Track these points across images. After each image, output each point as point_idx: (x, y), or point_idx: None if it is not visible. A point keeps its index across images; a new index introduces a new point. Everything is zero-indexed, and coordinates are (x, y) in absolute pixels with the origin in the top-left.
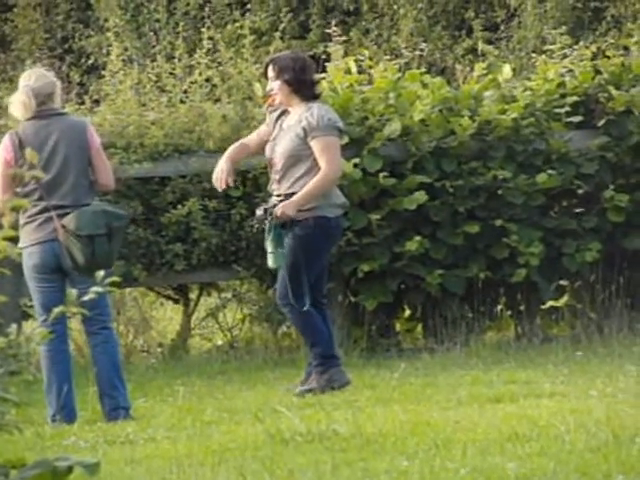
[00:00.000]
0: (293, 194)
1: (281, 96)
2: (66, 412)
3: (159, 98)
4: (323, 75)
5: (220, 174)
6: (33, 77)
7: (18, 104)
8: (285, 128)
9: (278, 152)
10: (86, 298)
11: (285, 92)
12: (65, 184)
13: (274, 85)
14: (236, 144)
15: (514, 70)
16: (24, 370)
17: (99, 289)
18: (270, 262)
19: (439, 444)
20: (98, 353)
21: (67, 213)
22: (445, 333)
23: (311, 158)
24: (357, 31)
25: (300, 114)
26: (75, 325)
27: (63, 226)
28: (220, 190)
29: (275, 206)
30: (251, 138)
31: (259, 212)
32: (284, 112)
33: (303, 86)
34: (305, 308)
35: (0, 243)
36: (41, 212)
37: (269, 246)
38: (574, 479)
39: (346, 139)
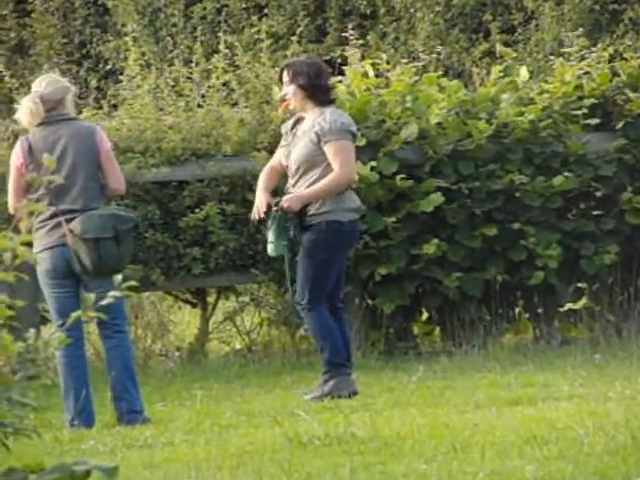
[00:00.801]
0: None
1: (295, 101)
2: (84, 416)
3: (176, 102)
4: (340, 79)
5: (260, 207)
6: (44, 83)
7: (25, 111)
8: (300, 134)
9: (293, 158)
10: (103, 302)
11: (299, 97)
12: (74, 189)
13: (288, 90)
14: (265, 170)
15: (531, 72)
16: (42, 375)
17: (116, 293)
18: (269, 250)
19: (457, 447)
20: (112, 357)
21: (77, 217)
22: (463, 336)
23: (325, 163)
24: (374, 34)
25: (314, 119)
26: (93, 329)
27: (71, 230)
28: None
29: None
30: (275, 159)
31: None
32: (299, 120)
33: (318, 91)
34: (320, 311)
35: (18, 248)
36: (51, 217)
37: (270, 235)
38: None
39: (362, 142)
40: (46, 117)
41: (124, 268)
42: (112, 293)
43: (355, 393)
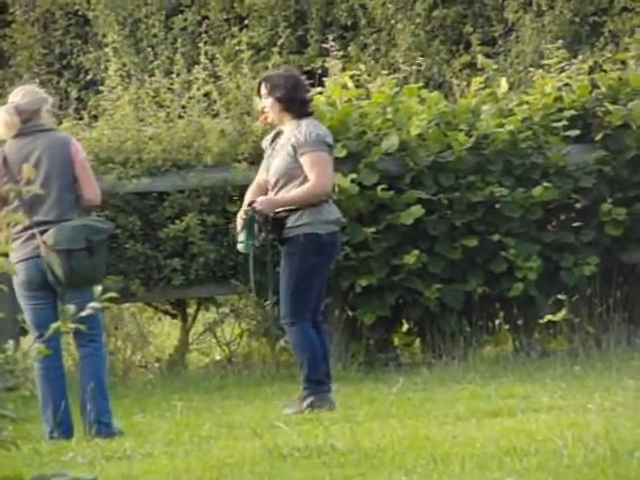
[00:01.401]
0: (293, 210)
1: (273, 114)
2: (63, 428)
3: (157, 113)
4: (321, 90)
5: (240, 214)
6: (20, 94)
7: (0, 123)
8: (278, 148)
9: (272, 171)
10: (82, 314)
11: (276, 110)
12: (48, 200)
13: (266, 103)
14: (251, 187)
15: (512, 84)
16: (21, 386)
17: (96, 305)
18: (239, 247)
19: (437, 459)
20: (84, 365)
21: (51, 228)
22: (443, 347)
23: (303, 175)
24: (355, 46)
25: (290, 132)
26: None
27: (44, 242)
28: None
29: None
30: (261, 176)
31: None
32: (278, 133)
33: (294, 104)
34: (302, 326)
35: None
36: (25, 229)
37: (241, 235)
38: None
39: (343, 153)
40: (22, 128)
41: (99, 279)
42: (91, 304)
43: (332, 410)
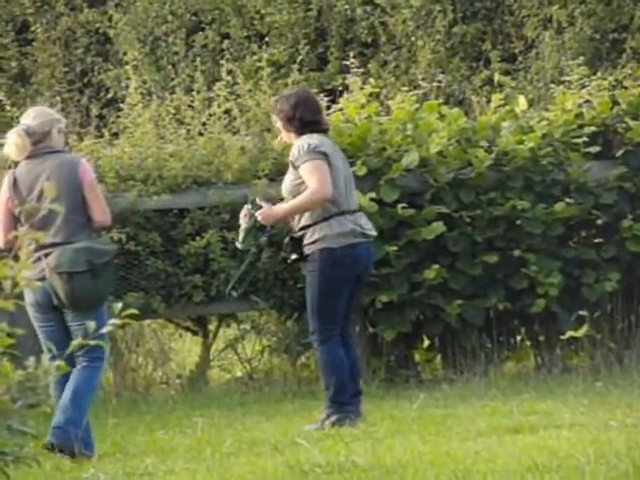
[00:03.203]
0: (305, 227)
1: (282, 133)
2: (84, 445)
3: (178, 130)
4: (341, 107)
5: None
6: (31, 115)
7: (12, 145)
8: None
9: (283, 189)
10: (104, 330)
11: (283, 129)
12: (56, 222)
13: (277, 123)
14: None
15: (532, 101)
16: (42, 402)
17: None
18: (238, 244)
19: (459, 475)
20: (77, 376)
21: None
22: (464, 364)
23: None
24: (375, 63)
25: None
26: None
27: (48, 264)
28: None
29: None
30: None
31: (286, 241)
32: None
33: (293, 122)
34: (330, 346)
35: (18, 275)
36: (35, 251)
37: (241, 233)
38: None
39: (363, 170)
40: (33, 150)
41: (103, 301)
42: (105, 327)
43: (357, 423)
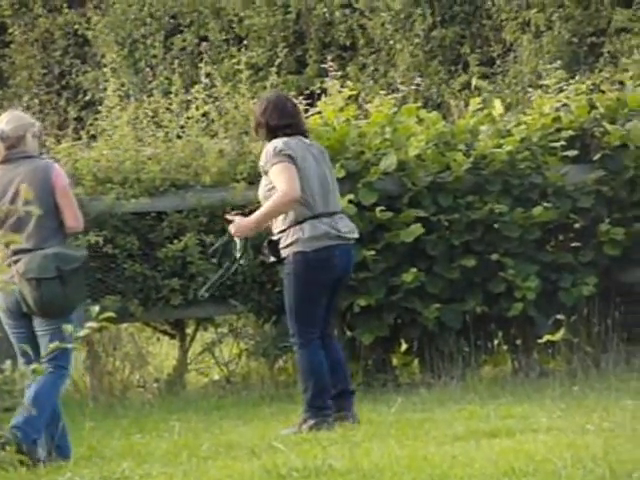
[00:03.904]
0: (281, 231)
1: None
2: (60, 449)
3: (156, 133)
4: (319, 110)
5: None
6: (5, 119)
7: None
8: None
9: (259, 195)
10: (81, 334)
11: (255, 134)
12: (28, 227)
13: None
14: None
15: (509, 104)
16: (19, 406)
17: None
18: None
19: (436, 479)
20: (41, 381)
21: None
22: (442, 367)
23: None
24: (354, 66)
25: None
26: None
27: (17, 270)
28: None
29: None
30: None
31: (264, 244)
32: None
33: (261, 128)
34: (310, 349)
35: None
36: (6, 256)
37: (218, 242)
38: None
39: (342, 173)
40: (6, 155)
41: (73, 307)
42: (89, 324)
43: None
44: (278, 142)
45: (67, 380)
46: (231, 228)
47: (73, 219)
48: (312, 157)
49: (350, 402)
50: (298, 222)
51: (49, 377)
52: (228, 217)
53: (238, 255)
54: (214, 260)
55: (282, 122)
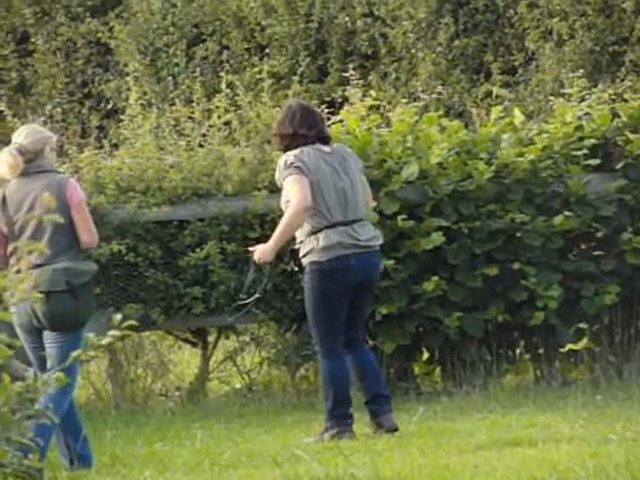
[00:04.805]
0: (301, 241)
1: None
2: (83, 458)
3: (178, 142)
4: (341, 118)
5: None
6: (24, 133)
7: (3, 164)
8: None
9: (281, 205)
10: (103, 342)
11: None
12: (41, 242)
13: None
14: None
15: (532, 113)
16: (41, 414)
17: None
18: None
19: None
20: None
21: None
22: (464, 376)
23: None
24: (375, 75)
25: None
26: (94, 368)
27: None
28: None
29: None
30: None
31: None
32: None
33: (276, 139)
34: (332, 359)
35: (18, 287)
36: (18, 271)
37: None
38: None
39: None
40: (25, 168)
41: (84, 321)
42: (112, 332)
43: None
44: (289, 155)
45: (72, 394)
46: (255, 256)
47: (88, 234)
48: (328, 166)
49: (385, 407)
50: (314, 232)
51: (54, 394)
52: (250, 249)
53: (265, 281)
54: (245, 296)
55: (296, 131)
